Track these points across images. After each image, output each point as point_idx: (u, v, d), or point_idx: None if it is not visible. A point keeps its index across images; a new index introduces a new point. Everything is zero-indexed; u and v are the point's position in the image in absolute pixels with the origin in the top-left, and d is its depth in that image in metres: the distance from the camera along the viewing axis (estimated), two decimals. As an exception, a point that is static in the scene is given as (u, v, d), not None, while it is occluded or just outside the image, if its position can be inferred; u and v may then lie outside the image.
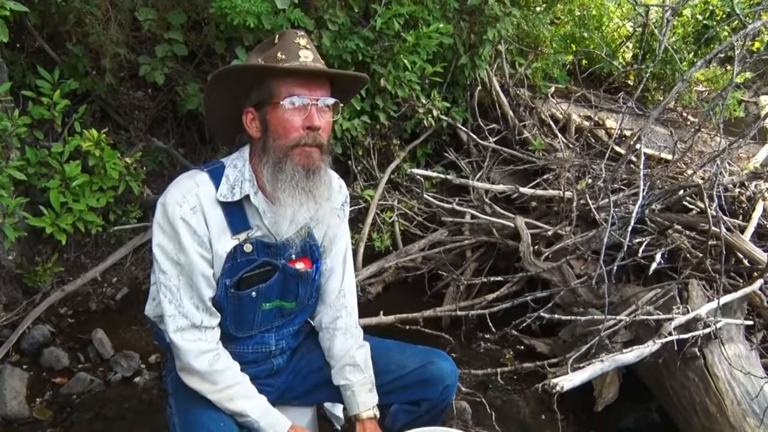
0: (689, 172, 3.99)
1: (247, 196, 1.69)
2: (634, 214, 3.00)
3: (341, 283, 1.96)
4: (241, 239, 1.71)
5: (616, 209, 3.33)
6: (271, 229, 1.73)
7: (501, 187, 4.03)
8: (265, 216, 1.71)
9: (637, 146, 3.58)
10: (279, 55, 1.61)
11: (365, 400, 1.88)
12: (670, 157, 4.19)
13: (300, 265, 1.82)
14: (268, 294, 1.79)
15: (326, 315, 1.97)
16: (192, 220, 1.65)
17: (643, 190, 3.21)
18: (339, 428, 2.21)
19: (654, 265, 3.15)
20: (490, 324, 3.20)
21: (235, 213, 1.70)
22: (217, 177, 1.70)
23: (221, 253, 1.69)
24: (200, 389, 1.71)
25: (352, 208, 3.96)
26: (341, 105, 1.71)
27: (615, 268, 2.98)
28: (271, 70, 1.61)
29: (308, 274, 1.85)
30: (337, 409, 2.16)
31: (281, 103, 1.60)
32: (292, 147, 1.63)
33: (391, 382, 1.93)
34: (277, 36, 1.67)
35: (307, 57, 1.63)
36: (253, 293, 1.75)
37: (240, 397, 1.72)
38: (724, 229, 3.09)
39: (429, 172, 4.17)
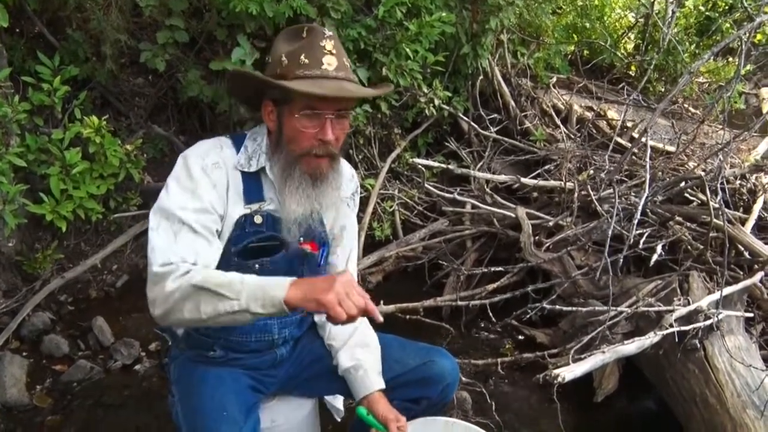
0: (691, 164, 3.99)
1: (263, 168, 1.70)
2: (639, 207, 2.99)
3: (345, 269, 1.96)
4: (253, 209, 1.70)
5: (618, 200, 3.33)
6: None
7: (502, 177, 4.02)
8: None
9: (643, 139, 3.56)
10: (302, 58, 1.57)
11: (378, 380, 1.85)
12: (671, 148, 4.19)
13: (306, 247, 1.81)
14: (273, 270, 1.75)
15: None
16: (213, 173, 1.64)
17: (649, 183, 3.21)
18: (339, 420, 2.21)
19: (655, 257, 3.16)
20: (491, 314, 3.20)
21: (251, 183, 1.70)
22: (238, 145, 1.71)
23: (234, 216, 1.68)
24: (172, 297, 1.50)
25: (353, 197, 3.95)
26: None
27: (620, 260, 2.98)
28: (288, 86, 1.55)
29: (314, 257, 1.84)
30: (338, 401, 2.16)
31: (296, 115, 1.58)
32: (302, 155, 1.62)
33: (391, 380, 1.90)
34: (305, 30, 1.62)
35: (331, 64, 1.58)
36: (257, 265, 1.73)
37: (200, 272, 1.52)
38: (725, 221, 3.09)
39: (430, 162, 4.16)
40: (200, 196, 1.61)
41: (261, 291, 1.46)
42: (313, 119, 1.59)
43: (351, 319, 1.43)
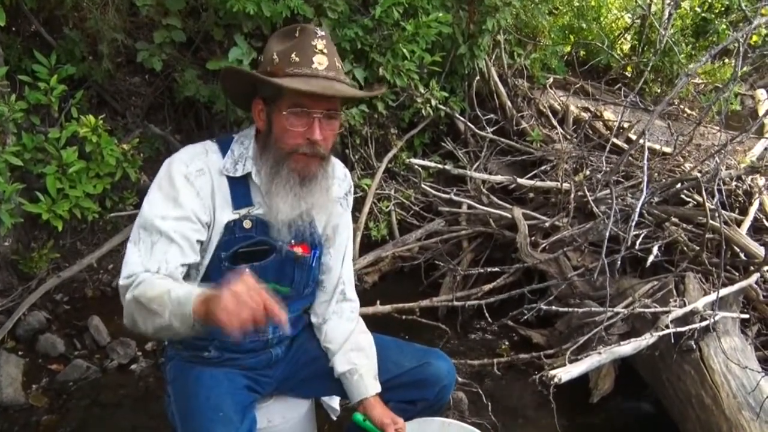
0: (688, 165, 3.99)
1: (250, 174, 1.68)
2: (636, 209, 3.00)
3: (340, 271, 1.96)
4: (242, 214, 1.69)
5: (615, 201, 3.33)
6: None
7: (498, 178, 4.02)
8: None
9: (641, 141, 3.56)
10: (293, 56, 1.57)
11: (374, 384, 1.85)
12: (668, 150, 4.20)
13: (298, 250, 1.81)
14: (263, 274, 1.73)
15: (324, 304, 1.96)
16: (197, 181, 1.63)
17: (646, 184, 3.21)
18: (335, 419, 2.21)
19: (651, 258, 3.16)
20: (487, 315, 3.20)
21: (239, 188, 1.69)
22: (224, 149, 1.70)
23: (223, 221, 1.67)
24: (127, 310, 1.52)
25: (349, 197, 3.96)
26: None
27: (617, 261, 2.98)
28: (277, 82, 1.56)
29: (305, 260, 1.83)
30: (334, 401, 2.16)
31: (284, 112, 1.58)
32: (290, 153, 1.62)
33: (388, 381, 1.90)
34: (298, 29, 1.62)
35: (321, 64, 1.58)
36: (247, 270, 1.73)
37: (145, 283, 1.50)
38: (722, 223, 3.10)
39: (427, 162, 4.16)
40: (182, 204, 1.60)
41: (179, 306, 1.39)
42: (302, 117, 1.58)
43: (252, 329, 1.32)
